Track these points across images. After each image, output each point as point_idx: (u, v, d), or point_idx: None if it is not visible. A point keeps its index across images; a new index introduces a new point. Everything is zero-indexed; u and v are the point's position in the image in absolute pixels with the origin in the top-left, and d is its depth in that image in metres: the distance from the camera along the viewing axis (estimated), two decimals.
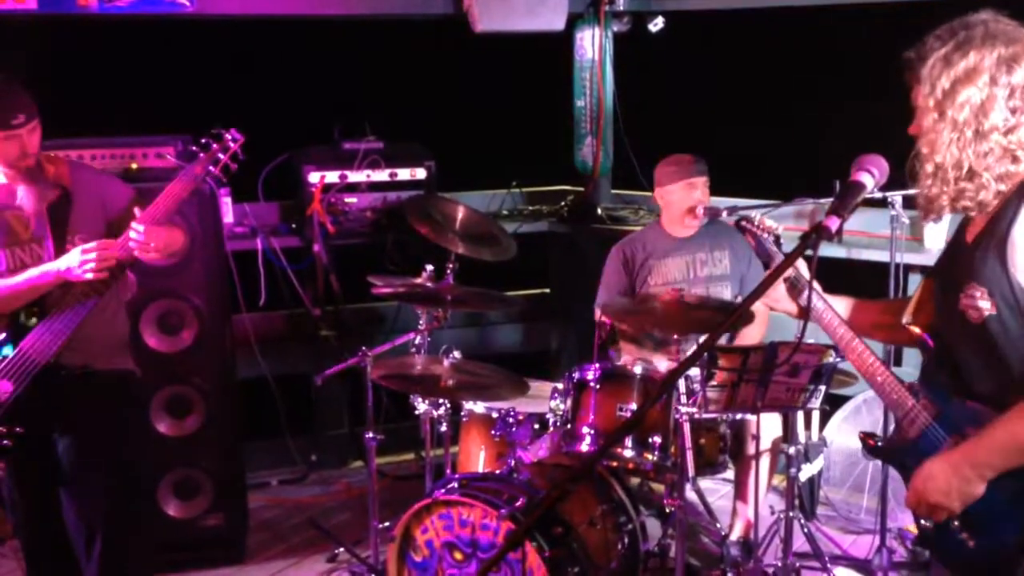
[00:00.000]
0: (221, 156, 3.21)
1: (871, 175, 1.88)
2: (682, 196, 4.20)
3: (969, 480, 2.06)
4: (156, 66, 5.23)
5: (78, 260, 2.98)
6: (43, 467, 3.15)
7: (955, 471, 2.07)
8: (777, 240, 2.77)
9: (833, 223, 1.82)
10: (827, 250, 2.02)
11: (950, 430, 2.19)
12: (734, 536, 4.08)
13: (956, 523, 2.15)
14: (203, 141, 3.21)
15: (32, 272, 3.02)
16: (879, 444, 2.45)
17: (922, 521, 2.22)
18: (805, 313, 2.00)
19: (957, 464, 2.08)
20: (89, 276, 2.98)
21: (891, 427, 3.90)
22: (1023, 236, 2.02)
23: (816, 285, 2.42)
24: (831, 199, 4.22)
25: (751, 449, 3.86)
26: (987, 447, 2.05)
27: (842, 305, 2.49)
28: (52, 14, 4.34)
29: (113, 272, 3.03)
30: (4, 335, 3.03)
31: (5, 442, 3.01)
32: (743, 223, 2.88)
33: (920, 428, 2.25)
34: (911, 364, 4.06)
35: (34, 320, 3.02)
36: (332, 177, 4.87)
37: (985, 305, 2.07)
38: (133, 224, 3.01)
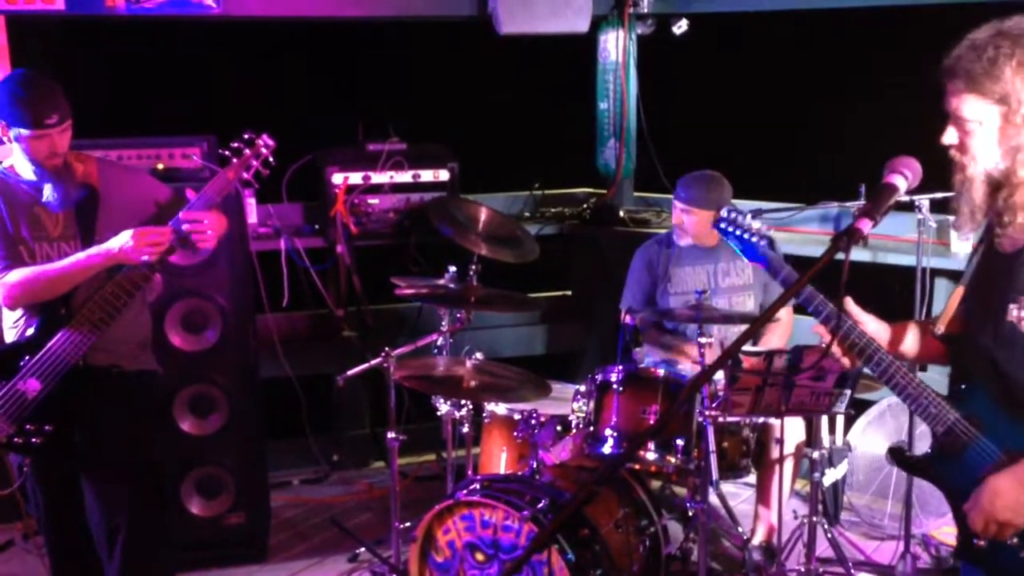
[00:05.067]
0: (253, 162, 3.21)
1: (904, 177, 1.85)
2: (677, 215, 4.22)
3: None
4: (182, 67, 5.26)
5: (133, 242, 2.97)
6: (66, 465, 3.17)
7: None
8: (771, 243, 2.55)
9: (865, 225, 1.80)
10: (852, 254, 1.99)
11: (1002, 444, 2.12)
12: (756, 540, 4.06)
13: (1015, 540, 2.09)
14: (235, 146, 3.21)
15: (81, 255, 3.01)
16: (912, 457, 2.36)
17: (975, 540, 2.14)
18: (837, 317, 1.95)
19: None
20: (145, 258, 2.99)
21: (917, 433, 3.90)
22: None
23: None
24: (856, 202, 4.23)
25: (775, 453, 3.84)
26: None
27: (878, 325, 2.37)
28: (80, 15, 4.37)
29: (164, 254, 3.02)
30: (34, 331, 3.05)
31: (35, 439, 3.03)
32: (724, 225, 2.59)
33: (966, 443, 2.16)
34: (936, 370, 4.03)
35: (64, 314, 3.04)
36: (355, 178, 4.88)
37: None
38: (182, 214, 3.03)
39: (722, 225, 2.57)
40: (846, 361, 2.33)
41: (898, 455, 2.39)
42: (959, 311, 2.26)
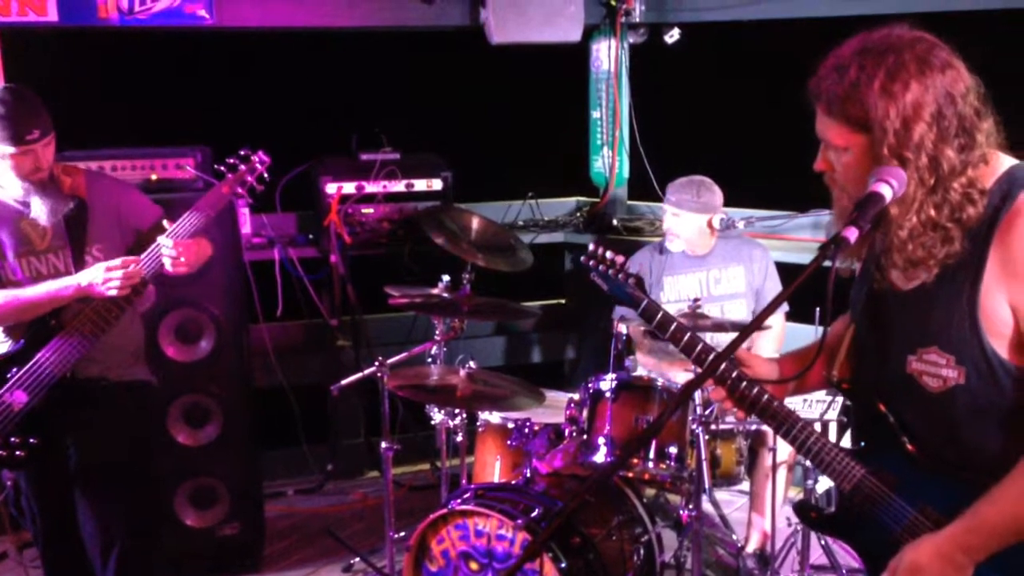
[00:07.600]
0: (248, 178, 3.23)
1: (890, 186, 1.82)
2: (667, 219, 4.26)
3: (963, 567, 1.83)
4: (176, 78, 5.27)
5: (102, 277, 2.97)
6: (60, 478, 3.17)
7: (948, 561, 1.84)
8: (640, 283, 2.42)
9: (852, 234, 1.76)
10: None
11: (915, 502, 1.96)
12: (750, 548, 4.06)
13: None
14: (230, 161, 3.23)
15: (51, 284, 3.02)
16: (820, 515, 2.19)
17: None
18: (824, 323, 1.92)
19: (949, 553, 1.84)
20: (113, 293, 2.99)
21: None
22: (996, 296, 1.80)
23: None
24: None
25: (768, 461, 3.85)
26: (982, 531, 1.82)
27: (770, 367, 2.23)
28: (73, 26, 4.38)
29: (136, 288, 3.04)
30: (22, 342, 3.05)
31: (19, 452, 3.02)
32: (590, 262, 2.46)
33: (876, 500, 1.99)
34: None
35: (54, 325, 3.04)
36: (349, 188, 4.89)
37: (951, 374, 1.86)
38: (161, 239, 3.03)
39: (584, 261, 2.49)
40: (739, 413, 2.16)
41: (804, 513, 2.21)
42: (852, 354, 2.09)
